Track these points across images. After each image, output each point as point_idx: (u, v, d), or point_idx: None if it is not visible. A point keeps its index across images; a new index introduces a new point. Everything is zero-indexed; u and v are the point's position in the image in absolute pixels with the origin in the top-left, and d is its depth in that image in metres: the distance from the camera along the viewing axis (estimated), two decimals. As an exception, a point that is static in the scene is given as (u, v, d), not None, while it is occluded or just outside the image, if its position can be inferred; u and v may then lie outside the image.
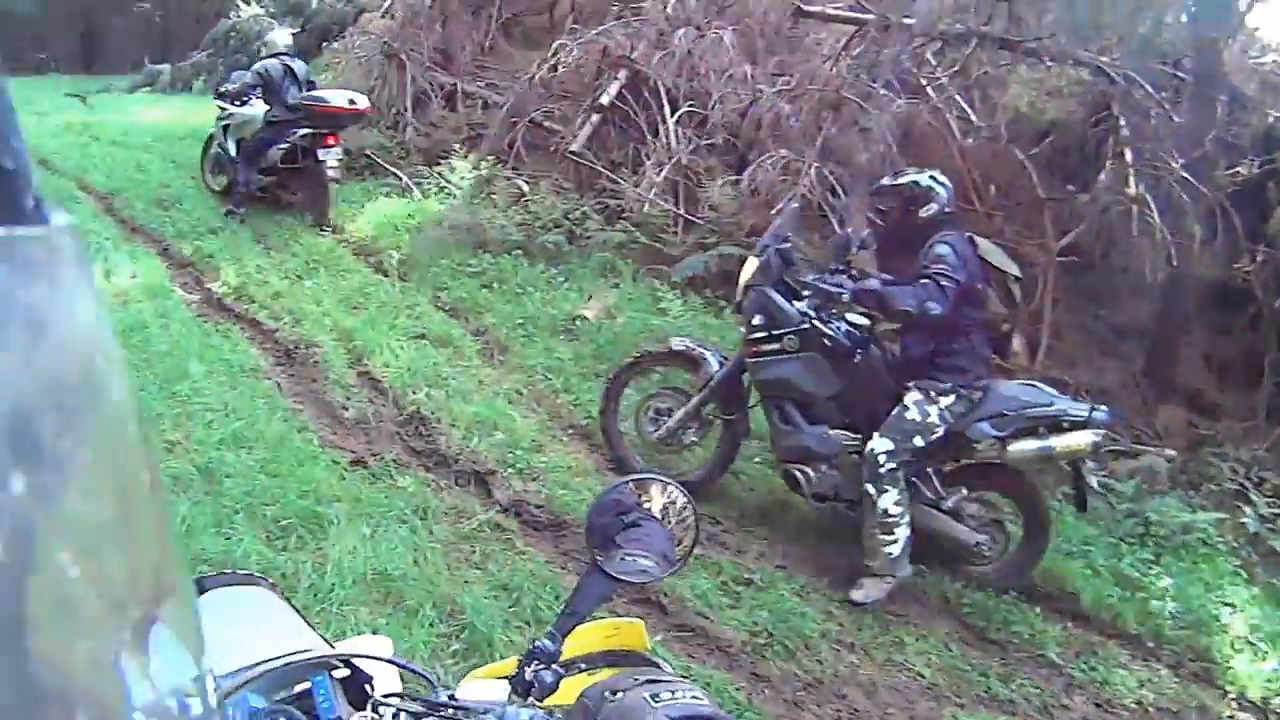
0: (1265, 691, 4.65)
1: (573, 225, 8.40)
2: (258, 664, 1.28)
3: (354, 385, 6.15)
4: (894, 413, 4.70)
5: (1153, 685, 4.54)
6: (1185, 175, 7.16)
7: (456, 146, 9.84)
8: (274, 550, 4.24)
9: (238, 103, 9.10)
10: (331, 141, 8.63)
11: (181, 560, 0.76)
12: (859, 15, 8.75)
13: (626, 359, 5.64)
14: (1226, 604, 5.19)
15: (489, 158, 9.42)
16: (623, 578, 1.42)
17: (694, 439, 5.36)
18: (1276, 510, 5.92)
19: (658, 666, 1.45)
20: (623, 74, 9.41)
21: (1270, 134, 7.98)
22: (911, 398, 4.68)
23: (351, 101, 8.70)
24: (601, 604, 1.41)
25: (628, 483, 1.56)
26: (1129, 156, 7.64)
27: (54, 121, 13.18)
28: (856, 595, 4.72)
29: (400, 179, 9.86)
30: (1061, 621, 4.89)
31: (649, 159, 8.63)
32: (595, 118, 9.25)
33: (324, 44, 14.97)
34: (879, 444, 4.64)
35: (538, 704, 1.31)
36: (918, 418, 4.63)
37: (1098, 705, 4.38)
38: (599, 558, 1.42)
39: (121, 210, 9.50)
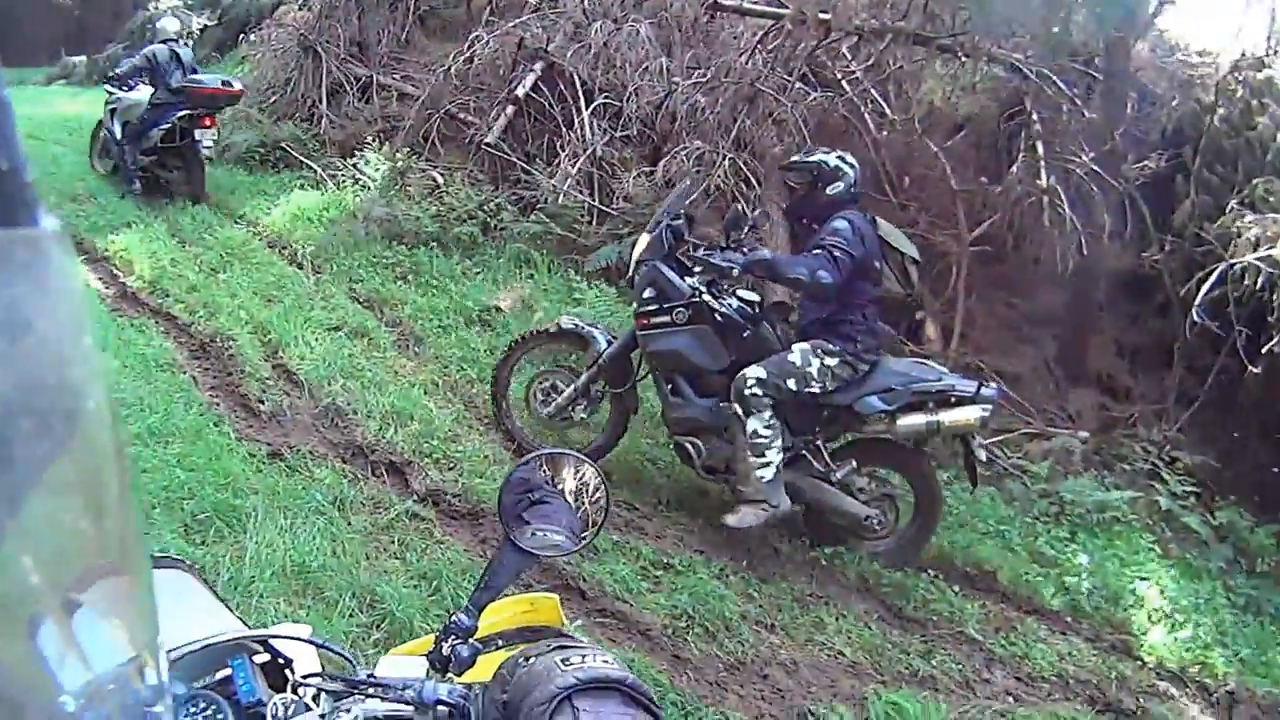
0: (1182, 661, 4.74)
1: (488, 217, 8.36)
2: (175, 649, 1.26)
3: (270, 378, 6.06)
4: (777, 353, 4.81)
5: (1072, 658, 4.59)
6: (1095, 169, 7.35)
7: (371, 139, 9.63)
8: (192, 544, 4.14)
9: (125, 87, 9.26)
10: (208, 123, 8.96)
11: (140, 546, 0.78)
12: (775, 10, 8.77)
13: (515, 338, 5.66)
14: (1142, 578, 5.30)
15: (404, 150, 9.25)
16: (535, 551, 1.43)
17: (583, 415, 5.38)
18: (1188, 488, 6.03)
19: (573, 638, 1.41)
20: (539, 66, 9.29)
21: (1178, 129, 8.18)
22: (798, 347, 4.80)
23: (226, 83, 9.09)
24: (516, 578, 1.41)
25: (539, 458, 1.55)
26: (1040, 150, 7.80)
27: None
28: (731, 520, 4.75)
29: (315, 171, 9.70)
30: (980, 599, 4.93)
31: (564, 151, 8.57)
32: (510, 110, 9.16)
33: (240, 37, 14.76)
34: (750, 370, 4.74)
35: (455, 679, 1.32)
36: (797, 361, 4.73)
37: (1019, 679, 4.42)
38: (511, 533, 1.43)
39: None
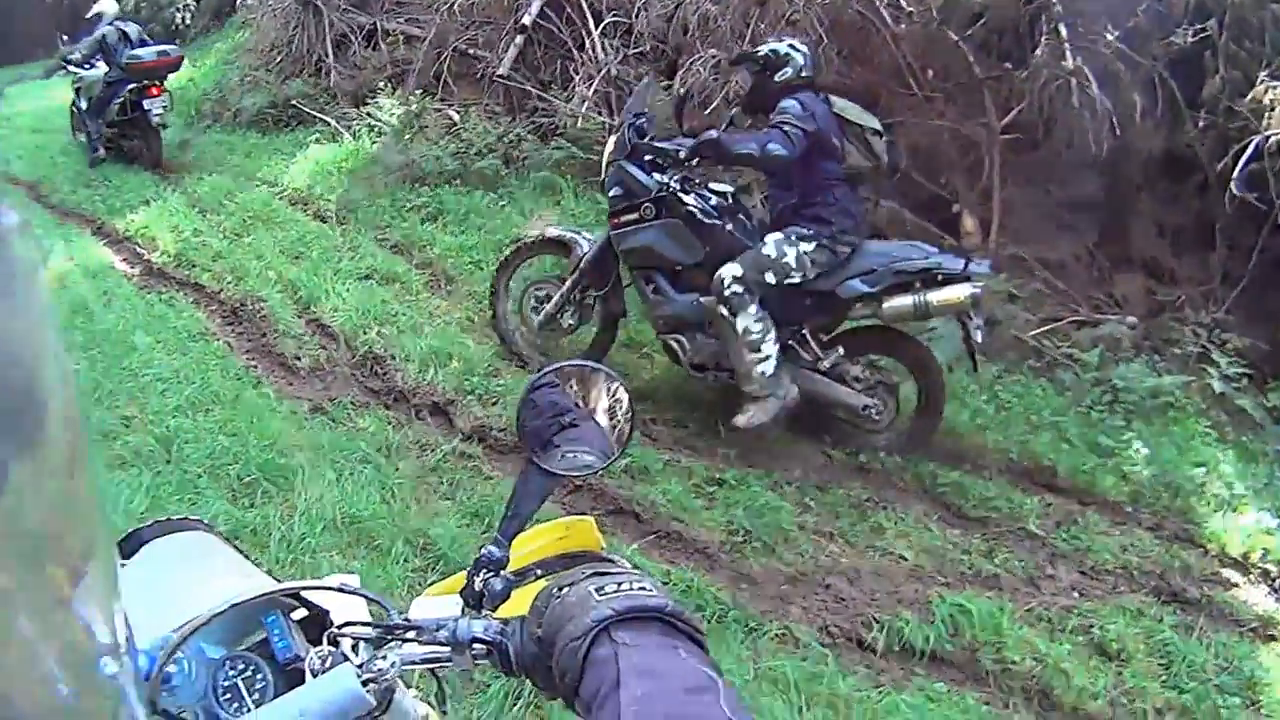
0: (1245, 547, 4.63)
1: (508, 149, 8.28)
2: (205, 614, 1.18)
3: (304, 334, 6.07)
4: (751, 249, 4.79)
5: (1135, 549, 4.52)
6: (1121, 46, 7.07)
7: (382, 85, 9.62)
8: (241, 508, 4.15)
9: (85, 66, 10.07)
10: (154, 92, 9.63)
11: (106, 530, 0.73)
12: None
13: (506, 253, 5.73)
14: (1200, 464, 5.18)
15: (416, 92, 9.22)
16: (560, 473, 1.35)
17: (572, 321, 5.42)
18: (1240, 370, 5.90)
19: (612, 562, 1.33)
20: (543, -9, 9.16)
21: (1201, 4, 7.91)
22: (771, 238, 4.75)
23: (163, 53, 9.84)
24: (543, 502, 1.33)
25: (559, 374, 1.46)
26: (1064, 32, 7.54)
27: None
28: (740, 420, 4.77)
29: (329, 124, 9.67)
30: (1039, 494, 4.87)
31: (578, 74, 8.50)
32: (520, 39, 9.05)
33: (238, 1, 14.62)
34: (726, 270, 4.70)
35: (491, 614, 1.26)
36: (772, 253, 4.68)
37: (1082, 573, 4.37)
38: (535, 456, 1.35)
39: (50, 196, 9.48)
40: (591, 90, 8.24)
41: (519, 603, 1.25)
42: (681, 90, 6.94)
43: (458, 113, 8.84)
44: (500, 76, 8.90)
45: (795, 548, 4.23)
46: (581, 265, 5.22)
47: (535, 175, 7.91)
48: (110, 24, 10.07)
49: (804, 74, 4.86)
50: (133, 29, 10.18)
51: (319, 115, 9.94)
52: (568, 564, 1.43)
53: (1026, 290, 6.49)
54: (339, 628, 1.21)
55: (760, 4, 7.88)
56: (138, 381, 5.38)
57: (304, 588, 1.29)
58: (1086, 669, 3.75)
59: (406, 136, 8.70)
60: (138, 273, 7.30)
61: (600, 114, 8.16)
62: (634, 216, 4.95)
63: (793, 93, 4.71)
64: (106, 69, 9.80)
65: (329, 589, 1.27)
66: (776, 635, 3.74)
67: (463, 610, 1.26)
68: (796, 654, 3.65)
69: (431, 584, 3.28)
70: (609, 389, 1.45)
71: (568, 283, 5.30)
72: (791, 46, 4.90)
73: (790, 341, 4.87)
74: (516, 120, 8.61)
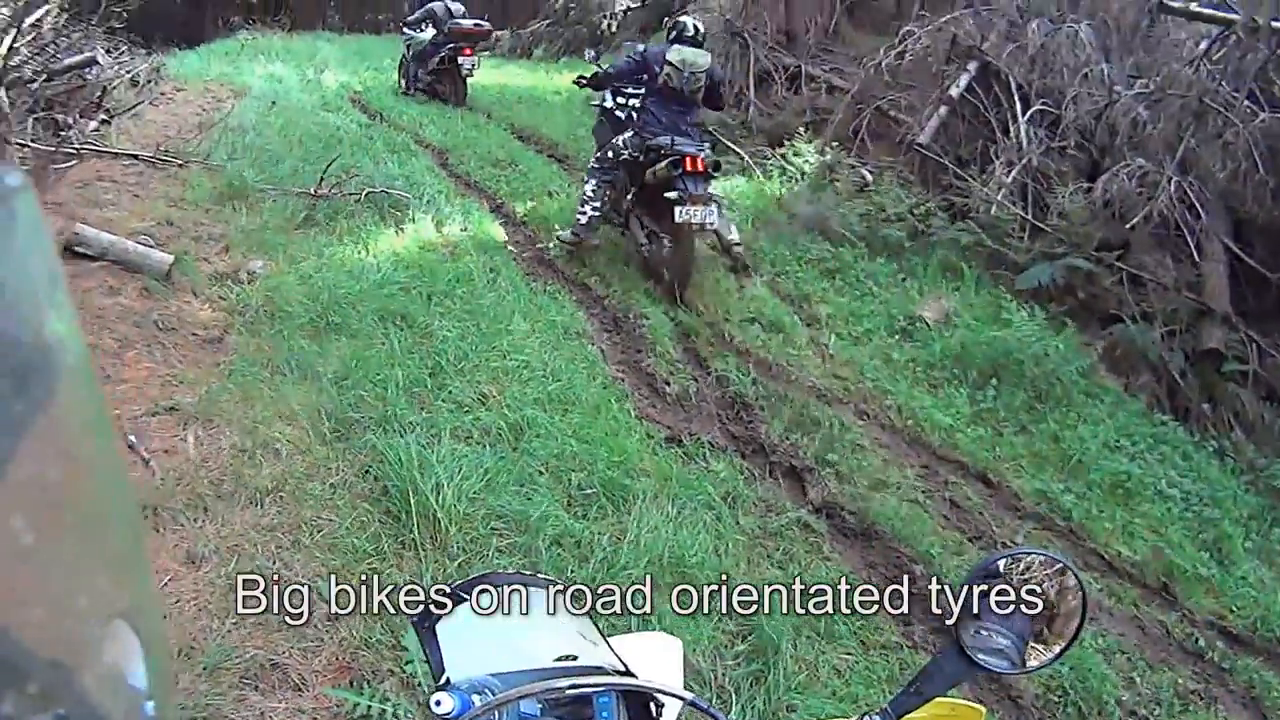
0: None
1: (916, 221, 8.24)
2: (542, 673, 1.29)
3: (678, 360, 6.20)
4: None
5: None
6: None
7: (800, 129, 9.90)
8: (573, 517, 4.23)
9: (417, 29, 13.18)
10: (468, 52, 12.76)
11: (143, 556, 0.77)
12: (1225, 15, 8.36)
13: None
14: None
15: (833, 144, 9.47)
16: (979, 660, 1.31)
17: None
18: None
19: None
20: (973, 65, 9.27)
21: None
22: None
23: (478, 24, 13.17)
24: (951, 688, 1.32)
25: (1013, 556, 1.39)
26: None
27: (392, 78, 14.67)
28: (560, 234, 7.56)
29: (742, 158, 10.00)
30: None
31: (998, 158, 8.43)
32: (943, 110, 9.14)
33: (664, 20, 15.54)
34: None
35: None
36: (618, 141, 7.31)
37: None
38: (960, 632, 1.33)
39: (455, 166, 10.04)
40: (1009, 177, 8.18)
41: None
42: (1103, 197, 7.08)
43: (871, 173, 9.01)
44: (919, 145, 8.98)
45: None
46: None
47: (939, 254, 7.84)
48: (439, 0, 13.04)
49: (687, 34, 7.15)
50: (456, 6, 13.01)
51: (733, 147, 10.30)
52: None
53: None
54: None
55: (1196, 117, 7.78)
56: (504, 363, 5.50)
57: (656, 689, 1.30)
58: None
59: (818, 187, 8.89)
60: (528, 258, 7.61)
61: (1014, 203, 8.13)
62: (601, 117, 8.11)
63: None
64: (434, 32, 12.81)
65: (680, 698, 1.28)
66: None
67: None
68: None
69: (755, 662, 3.52)
70: (1060, 582, 1.37)
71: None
72: (687, 16, 8.18)
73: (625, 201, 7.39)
74: (929, 193, 8.63)
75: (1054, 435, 5.89)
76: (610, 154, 7.28)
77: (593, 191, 7.31)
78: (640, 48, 7.40)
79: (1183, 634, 4.66)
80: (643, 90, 7.24)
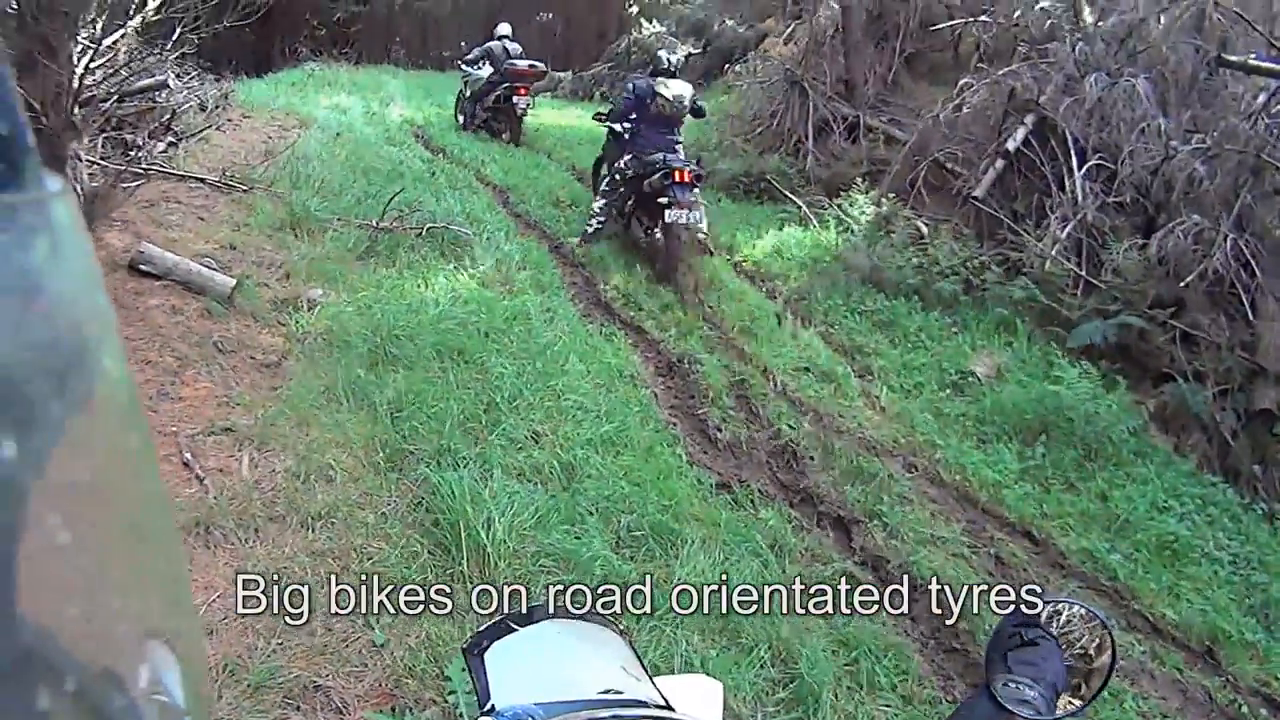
0: None
1: (971, 275, 8.24)
2: (586, 704, 1.29)
3: (731, 407, 6.26)
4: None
5: None
6: None
7: (857, 180, 10.01)
8: (620, 558, 4.27)
9: (475, 67, 13.65)
10: (522, 92, 13.13)
11: (182, 569, 0.76)
12: (1283, 69, 8.35)
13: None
14: None
15: (889, 195, 9.55)
16: (1008, 707, 1.34)
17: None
18: None
19: None
20: (1029, 119, 9.29)
21: None
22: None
23: (532, 66, 13.41)
24: None
25: (1049, 604, 1.48)
26: None
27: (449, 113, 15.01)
28: (576, 240, 8.98)
29: (798, 207, 10.17)
30: None
31: (1053, 212, 8.44)
32: (1000, 163, 9.16)
33: (725, 66, 15.78)
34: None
35: None
36: (620, 161, 8.75)
37: None
38: (991, 679, 1.36)
39: (515, 205, 10.29)
40: (1065, 232, 8.17)
41: None
42: (1158, 253, 7.15)
43: (926, 225, 9.04)
44: (974, 198, 9.00)
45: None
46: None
47: (994, 309, 7.84)
48: (498, 39, 13.61)
49: (663, 66, 8.71)
50: (514, 47, 13.52)
51: (790, 195, 10.51)
52: None
53: None
54: None
55: (1254, 173, 7.76)
56: (558, 403, 5.57)
57: None
58: None
59: (874, 238, 8.98)
60: (585, 301, 7.80)
61: (1068, 259, 8.07)
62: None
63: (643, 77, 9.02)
64: (491, 71, 13.32)
65: None
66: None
67: None
68: None
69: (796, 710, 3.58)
70: (1093, 632, 1.43)
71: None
72: (663, 50, 10.25)
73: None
74: (984, 246, 8.62)
75: (1102, 494, 5.87)
76: (616, 177, 8.71)
77: (600, 209, 8.90)
78: (631, 85, 8.87)
79: (1225, 700, 4.62)
80: (635, 117, 8.63)
